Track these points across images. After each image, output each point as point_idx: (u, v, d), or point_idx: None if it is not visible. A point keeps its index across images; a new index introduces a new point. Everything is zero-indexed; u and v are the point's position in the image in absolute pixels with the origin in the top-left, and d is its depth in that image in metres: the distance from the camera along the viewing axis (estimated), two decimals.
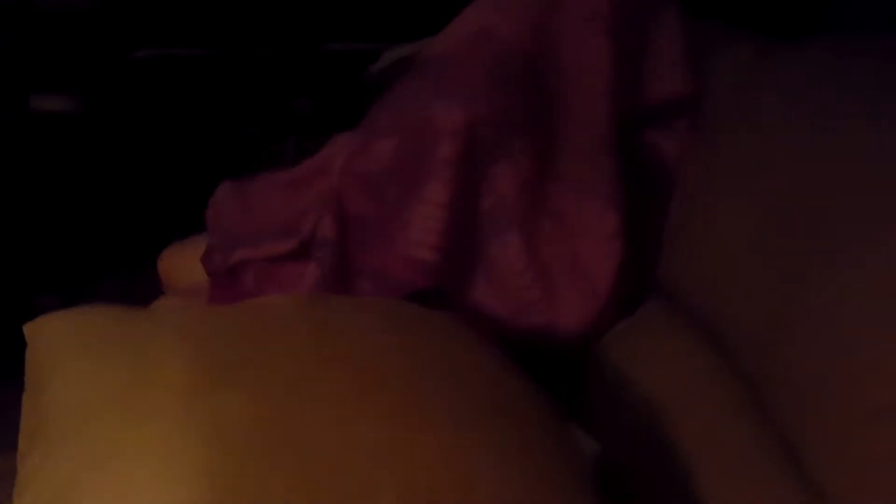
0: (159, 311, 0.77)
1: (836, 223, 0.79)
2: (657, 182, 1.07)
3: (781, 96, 0.95)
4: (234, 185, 1.20)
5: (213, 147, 1.91)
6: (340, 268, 1.00)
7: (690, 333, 0.99)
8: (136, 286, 1.40)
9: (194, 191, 1.29)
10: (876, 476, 0.69)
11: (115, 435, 0.59)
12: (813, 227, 0.81)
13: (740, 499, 0.81)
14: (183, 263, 1.23)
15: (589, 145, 1.05)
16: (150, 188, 1.86)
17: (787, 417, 0.79)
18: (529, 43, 1.06)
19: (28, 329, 0.74)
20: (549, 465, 0.68)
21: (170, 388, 0.62)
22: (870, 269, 0.74)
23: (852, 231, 0.77)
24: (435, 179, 1.01)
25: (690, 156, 1.05)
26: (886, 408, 0.68)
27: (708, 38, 1.14)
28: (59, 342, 0.70)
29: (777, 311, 0.81)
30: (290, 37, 1.97)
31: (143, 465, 0.57)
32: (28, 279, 1.69)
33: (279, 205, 1.13)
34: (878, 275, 0.73)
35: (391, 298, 0.79)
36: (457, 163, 1.01)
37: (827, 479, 0.72)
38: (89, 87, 1.87)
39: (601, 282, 1.03)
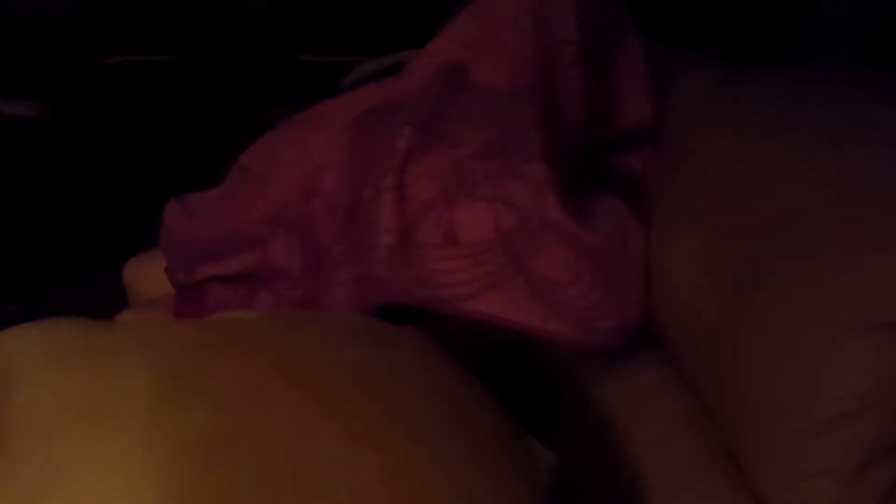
0: (125, 325, 0.77)
1: (783, 243, 0.81)
2: (631, 200, 1.08)
3: (739, 121, 0.98)
4: (180, 204, 1.20)
5: (182, 155, 1.91)
6: (306, 297, 0.99)
7: (649, 347, 1.02)
8: (101, 294, 1.40)
9: (161, 198, 1.29)
10: (816, 490, 0.72)
11: (78, 449, 0.60)
12: (761, 247, 0.83)
13: None
14: (149, 275, 1.23)
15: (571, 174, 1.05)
16: (117, 195, 1.86)
17: (731, 431, 0.82)
18: (513, 86, 1.05)
19: None
20: (505, 478, 0.70)
21: (135, 404, 0.63)
22: (814, 289, 0.76)
23: (798, 251, 0.79)
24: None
25: (649, 176, 1.08)
26: (827, 422, 0.71)
27: (669, 61, 1.17)
28: (23, 354, 0.71)
29: (722, 328, 0.84)
30: (262, 46, 1.98)
31: (107, 479, 0.58)
32: None
33: (227, 221, 1.13)
34: (822, 294, 0.75)
35: (356, 313, 0.81)
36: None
37: (769, 492, 0.75)
38: (58, 93, 1.86)
39: (640, 257, 0.99)
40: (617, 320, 0.96)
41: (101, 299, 1.31)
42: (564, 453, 0.89)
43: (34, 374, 0.68)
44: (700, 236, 0.91)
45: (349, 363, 0.71)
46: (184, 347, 0.70)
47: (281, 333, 0.74)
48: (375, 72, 1.59)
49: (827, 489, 0.71)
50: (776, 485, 0.74)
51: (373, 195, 1.00)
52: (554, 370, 1.05)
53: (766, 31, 1.37)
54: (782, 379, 0.75)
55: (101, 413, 0.63)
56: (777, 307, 0.77)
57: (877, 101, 0.88)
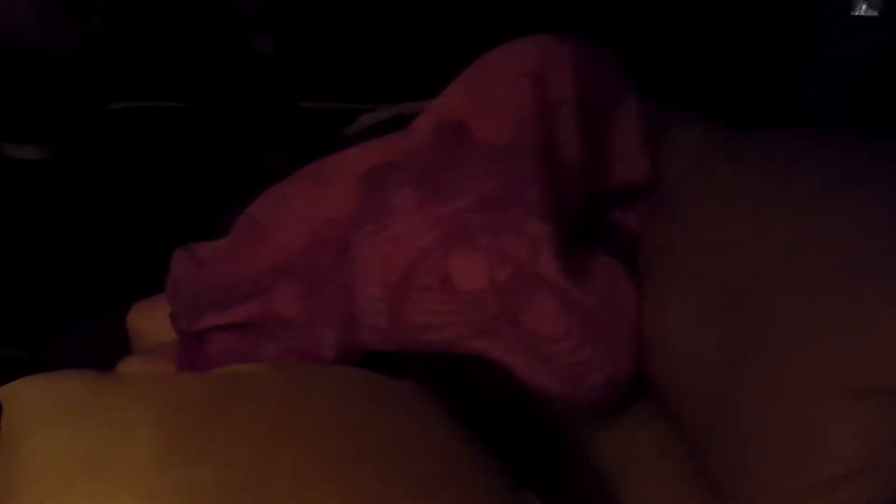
0: (132, 378, 0.79)
1: (782, 304, 0.83)
2: (626, 257, 1.10)
3: (732, 181, 1.00)
4: (187, 253, 1.22)
5: (185, 199, 1.93)
6: (307, 348, 1.02)
7: (647, 403, 1.03)
8: (104, 337, 1.41)
9: (164, 242, 1.31)
10: None
11: (86, 503, 0.61)
12: (760, 307, 0.85)
13: None
14: (153, 320, 1.24)
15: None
16: (120, 238, 1.88)
17: (730, 490, 0.83)
18: (511, 144, 1.07)
19: (3, 392, 0.76)
20: None
21: (141, 459, 0.64)
22: (813, 352, 0.78)
23: (797, 313, 0.81)
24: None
25: (646, 233, 1.10)
26: (824, 485, 0.73)
27: (667, 120, 1.20)
28: (32, 408, 0.72)
29: (721, 387, 0.86)
30: (267, 93, 2.02)
31: None
32: None
33: (232, 271, 1.15)
34: (820, 358, 0.77)
35: (356, 368, 0.83)
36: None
37: None
38: (63, 137, 1.89)
39: (631, 317, 1.01)
40: (603, 378, 0.98)
41: (104, 342, 1.33)
42: None
43: (43, 427, 0.70)
44: (699, 295, 0.93)
45: (353, 420, 0.73)
46: (191, 402, 0.72)
47: (286, 389, 0.76)
48: (378, 122, 1.62)
49: None
50: None
51: (362, 248, 1.04)
52: (552, 423, 1.06)
53: (761, 94, 1.40)
54: (780, 441, 0.76)
55: (108, 467, 0.65)
56: (776, 369, 0.79)
57: (868, 162, 0.90)
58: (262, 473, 0.65)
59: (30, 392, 0.75)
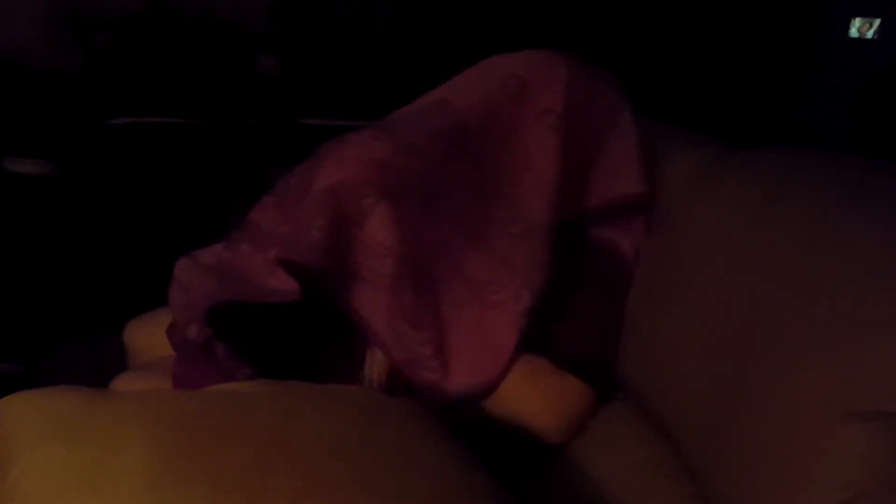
0: (125, 396, 0.78)
1: (780, 324, 0.83)
2: (615, 278, 1.11)
3: (730, 201, 1.00)
4: (192, 261, 1.22)
5: (187, 214, 1.93)
6: None
7: (646, 424, 1.03)
8: (100, 352, 1.41)
9: (163, 257, 1.31)
10: None
11: None
12: (758, 328, 0.85)
13: None
14: (149, 336, 1.24)
15: (523, 229, 1.10)
16: (119, 253, 1.88)
17: None
18: (482, 124, 1.13)
19: None
20: None
21: (133, 479, 0.64)
22: (809, 374, 0.77)
23: (795, 334, 0.80)
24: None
25: (643, 255, 1.10)
26: None
27: (665, 139, 1.20)
28: (25, 424, 0.72)
29: (719, 407, 0.85)
30: (270, 110, 2.03)
31: None
32: None
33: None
34: (816, 380, 0.76)
35: (353, 387, 0.82)
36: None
37: None
38: (66, 152, 1.89)
39: (503, 352, 1.07)
40: (434, 377, 1.07)
41: (100, 357, 1.32)
42: None
43: (35, 444, 0.70)
44: (699, 316, 0.93)
45: (346, 441, 0.72)
46: (184, 422, 0.71)
47: (280, 409, 0.76)
48: None
49: None
50: None
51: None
52: (548, 446, 1.06)
53: (759, 114, 1.41)
54: (777, 463, 0.75)
55: (100, 487, 0.64)
56: (772, 390, 0.79)
57: (867, 184, 0.91)
58: (253, 495, 0.65)
59: (24, 408, 0.74)
